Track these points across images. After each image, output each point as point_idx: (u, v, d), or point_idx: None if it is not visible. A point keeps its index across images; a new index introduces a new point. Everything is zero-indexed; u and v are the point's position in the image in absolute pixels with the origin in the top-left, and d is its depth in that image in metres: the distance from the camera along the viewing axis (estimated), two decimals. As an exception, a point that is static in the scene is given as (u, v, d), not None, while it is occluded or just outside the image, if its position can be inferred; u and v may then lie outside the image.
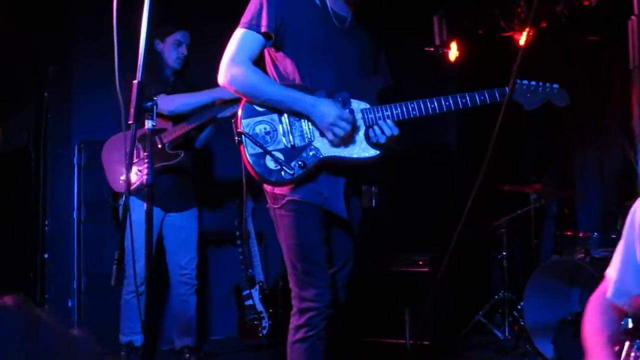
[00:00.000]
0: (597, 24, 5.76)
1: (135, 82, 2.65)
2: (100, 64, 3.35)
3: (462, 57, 6.16)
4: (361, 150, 3.10)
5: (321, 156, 3.07)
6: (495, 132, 2.06)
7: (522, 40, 5.99)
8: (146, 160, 4.59)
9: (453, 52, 6.15)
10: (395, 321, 5.38)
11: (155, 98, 4.59)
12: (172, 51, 4.89)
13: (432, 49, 5.93)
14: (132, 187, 4.58)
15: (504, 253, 5.84)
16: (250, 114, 3.09)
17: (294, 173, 3.02)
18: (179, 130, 4.73)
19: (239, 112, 3.09)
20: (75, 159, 5.52)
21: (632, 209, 2.02)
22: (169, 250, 5.01)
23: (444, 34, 5.90)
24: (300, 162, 3.03)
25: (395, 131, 3.09)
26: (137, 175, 4.64)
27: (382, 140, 3.09)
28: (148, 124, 2.75)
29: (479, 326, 5.85)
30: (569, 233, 5.58)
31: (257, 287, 5.41)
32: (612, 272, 2.15)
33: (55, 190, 5.55)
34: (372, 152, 3.11)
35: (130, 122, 2.64)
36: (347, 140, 3.07)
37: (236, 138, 3.06)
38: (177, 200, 4.96)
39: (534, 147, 6.88)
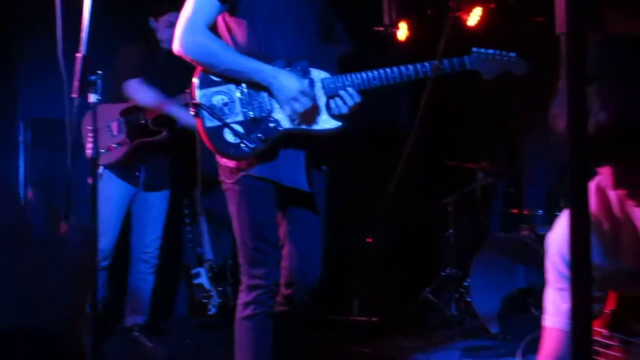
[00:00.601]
0: (543, 5, 5.85)
1: (79, 55, 2.60)
2: (47, 39, 3.30)
3: (411, 37, 6.20)
4: (322, 122, 3.01)
5: (281, 128, 2.96)
6: (421, 105, 2.02)
7: (471, 20, 6.07)
8: (121, 134, 4.61)
9: (402, 32, 6.18)
10: (343, 298, 5.44)
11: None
12: (165, 32, 4.79)
13: (381, 29, 5.95)
14: (110, 161, 4.62)
15: (451, 230, 5.93)
16: (206, 83, 2.95)
17: (254, 147, 2.90)
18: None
19: (195, 81, 2.96)
20: (20, 136, 5.44)
21: (546, 248, 1.91)
22: (135, 227, 4.97)
23: (393, 13, 5.92)
24: (260, 135, 2.92)
25: (358, 99, 3.01)
26: (114, 149, 4.64)
27: (344, 110, 3.01)
28: (92, 97, 2.70)
29: (426, 303, 5.93)
30: (514, 211, 5.69)
31: (205, 265, 5.41)
32: (556, 314, 1.90)
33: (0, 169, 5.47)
34: (333, 124, 3.02)
35: (73, 95, 2.60)
36: (308, 111, 2.96)
37: (192, 110, 2.93)
38: (153, 179, 4.90)
39: (482, 125, 6.97)
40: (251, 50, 3.00)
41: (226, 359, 3.18)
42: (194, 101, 2.91)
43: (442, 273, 5.93)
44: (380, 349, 4.97)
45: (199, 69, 2.98)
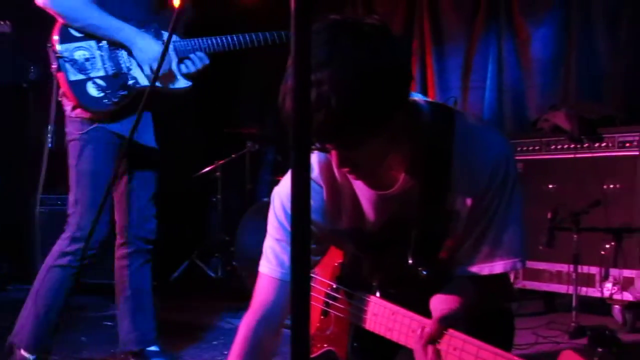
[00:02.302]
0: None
1: None
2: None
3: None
4: (175, 81, 3.23)
5: (139, 85, 3.10)
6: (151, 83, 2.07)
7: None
8: None
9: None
10: (109, 262, 5.39)
11: None
12: None
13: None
14: None
15: (219, 196, 6.04)
16: (67, 39, 3.03)
17: (117, 101, 3.04)
18: None
19: (55, 38, 3.01)
20: None
21: (272, 200, 2.01)
22: None
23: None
24: (122, 91, 3.05)
25: (206, 61, 3.26)
26: None
27: (193, 70, 3.23)
28: None
29: (192, 267, 6.02)
30: (280, 178, 5.90)
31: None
32: (276, 265, 1.96)
33: None
34: (184, 83, 3.25)
35: None
36: (165, 72, 3.17)
37: (54, 65, 2.99)
38: None
39: (254, 95, 7.12)
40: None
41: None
42: (57, 55, 2.98)
43: (210, 238, 6.05)
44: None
45: (58, 24, 3.04)
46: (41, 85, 6.38)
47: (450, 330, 1.58)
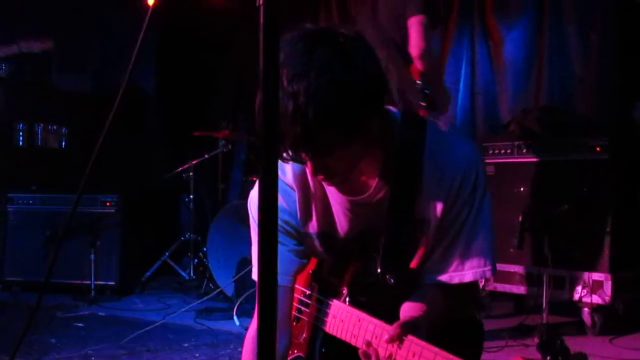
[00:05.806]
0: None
1: None
2: None
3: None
4: None
5: None
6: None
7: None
8: None
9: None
10: (80, 262, 5.38)
11: None
12: None
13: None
14: None
15: (191, 196, 6.01)
16: None
17: None
18: None
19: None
20: None
21: (249, 206, 2.02)
22: None
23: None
24: None
25: None
26: None
27: None
28: None
29: (165, 267, 5.99)
30: (254, 179, 5.89)
31: None
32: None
33: None
34: None
35: None
36: None
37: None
38: None
39: (226, 95, 7.11)
40: None
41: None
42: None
43: (182, 238, 6.03)
44: (113, 312, 5.02)
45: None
46: (11, 82, 6.34)
47: (410, 337, 1.59)
